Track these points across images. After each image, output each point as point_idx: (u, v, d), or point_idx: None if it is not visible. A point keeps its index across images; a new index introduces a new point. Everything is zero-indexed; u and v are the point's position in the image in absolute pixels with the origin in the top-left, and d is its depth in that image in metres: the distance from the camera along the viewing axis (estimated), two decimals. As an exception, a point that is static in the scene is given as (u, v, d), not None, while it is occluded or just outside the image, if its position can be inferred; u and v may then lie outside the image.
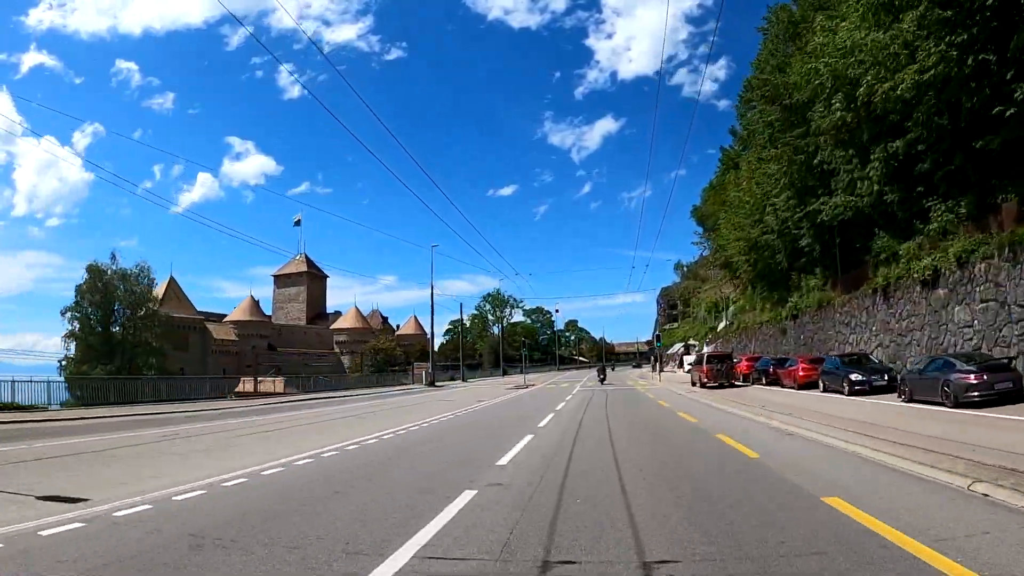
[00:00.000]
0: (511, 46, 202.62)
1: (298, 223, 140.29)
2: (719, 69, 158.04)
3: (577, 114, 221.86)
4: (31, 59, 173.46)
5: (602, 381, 52.51)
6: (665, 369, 79.98)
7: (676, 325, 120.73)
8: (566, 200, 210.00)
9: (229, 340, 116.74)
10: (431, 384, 56.49)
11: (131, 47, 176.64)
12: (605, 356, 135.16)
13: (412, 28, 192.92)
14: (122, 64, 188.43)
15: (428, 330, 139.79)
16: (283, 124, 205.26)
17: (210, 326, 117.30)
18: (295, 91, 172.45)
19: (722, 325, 73.69)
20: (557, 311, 74.58)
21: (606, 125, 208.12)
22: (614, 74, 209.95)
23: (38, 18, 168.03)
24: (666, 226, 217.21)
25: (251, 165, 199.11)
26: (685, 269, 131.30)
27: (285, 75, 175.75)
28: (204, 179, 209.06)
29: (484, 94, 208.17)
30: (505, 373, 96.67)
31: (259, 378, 64.65)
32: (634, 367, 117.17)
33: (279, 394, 53.28)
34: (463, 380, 68.95)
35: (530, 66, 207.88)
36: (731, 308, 71.09)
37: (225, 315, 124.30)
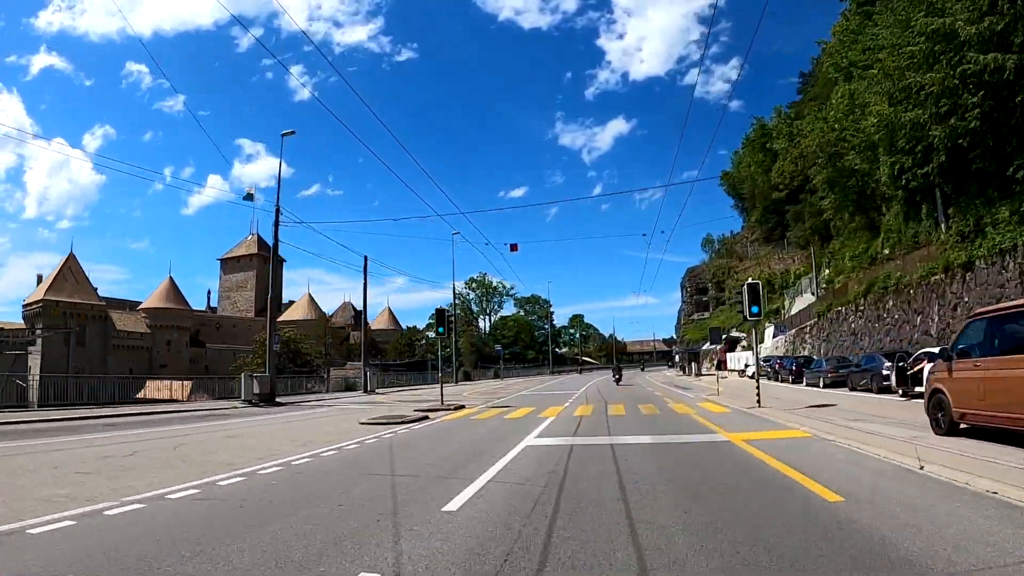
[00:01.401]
0: (522, 46, 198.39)
1: (249, 197, 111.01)
2: (731, 69, 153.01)
3: (588, 115, 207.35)
4: (41, 61, 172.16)
5: (618, 382, 40.07)
6: (703, 372, 53.89)
7: (707, 315, 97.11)
8: (577, 201, 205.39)
9: (136, 332, 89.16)
10: (265, 401, 27.71)
11: (141, 49, 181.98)
12: (617, 356, 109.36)
13: (422, 29, 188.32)
14: (132, 66, 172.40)
15: (398, 323, 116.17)
16: (294, 126, 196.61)
17: (116, 315, 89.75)
18: (305, 92, 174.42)
19: (800, 303, 46.19)
20: (514, 250, 42.54)
21: (617, 126, 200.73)
22: (625, 75, 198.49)
23: (47, 20, 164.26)
24: (679, 229, 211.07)
25: (262, 167, 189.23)
26: (716, 245, 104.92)
27: (296, 75, 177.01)
28: (214, 181, 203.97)
29: (494, 95, 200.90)
30: (467, 379, 69.77)
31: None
32: (669, 367, 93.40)
33: (173, 401, 36.91)
34: (367, 390, 38.99)
35: (541, 67, 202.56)
36: (822, 274, 43.16)
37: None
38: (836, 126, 33.51)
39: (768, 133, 77.94)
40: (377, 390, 40.42)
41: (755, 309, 17.25)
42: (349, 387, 43.66)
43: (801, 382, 29.42)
